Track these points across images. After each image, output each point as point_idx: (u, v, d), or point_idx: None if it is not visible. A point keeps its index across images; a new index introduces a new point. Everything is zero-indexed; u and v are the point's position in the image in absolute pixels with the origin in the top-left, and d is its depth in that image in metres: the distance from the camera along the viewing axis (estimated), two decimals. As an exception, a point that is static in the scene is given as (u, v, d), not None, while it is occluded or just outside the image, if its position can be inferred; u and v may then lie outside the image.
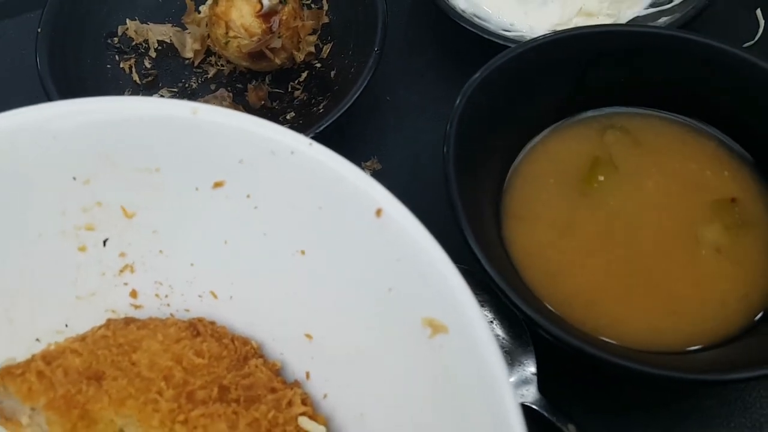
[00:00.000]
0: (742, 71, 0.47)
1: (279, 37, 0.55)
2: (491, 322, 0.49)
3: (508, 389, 0.30)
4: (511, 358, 0.48)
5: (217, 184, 0.40)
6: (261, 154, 0.38)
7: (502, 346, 0.48)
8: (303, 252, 0.40)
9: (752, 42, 0.63)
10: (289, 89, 0.61)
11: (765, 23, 0.64)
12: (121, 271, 0.43)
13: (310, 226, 0.39)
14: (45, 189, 0.40)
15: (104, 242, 0.43)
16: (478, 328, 0.32)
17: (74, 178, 0.40)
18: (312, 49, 0.61)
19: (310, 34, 0.61)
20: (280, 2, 0.55)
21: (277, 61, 0.57)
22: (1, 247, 0.41)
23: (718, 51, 0.47)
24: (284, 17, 0.55)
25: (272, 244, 0.40)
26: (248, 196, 0.40)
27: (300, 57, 0.59)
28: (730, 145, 0.49)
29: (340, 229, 0.38)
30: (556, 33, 0.48)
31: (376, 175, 0.60)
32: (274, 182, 0.39)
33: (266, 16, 0.54)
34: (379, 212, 0.36)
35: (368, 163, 0.59)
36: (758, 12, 0.64)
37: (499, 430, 0.30)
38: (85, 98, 0.40)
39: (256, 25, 0.55)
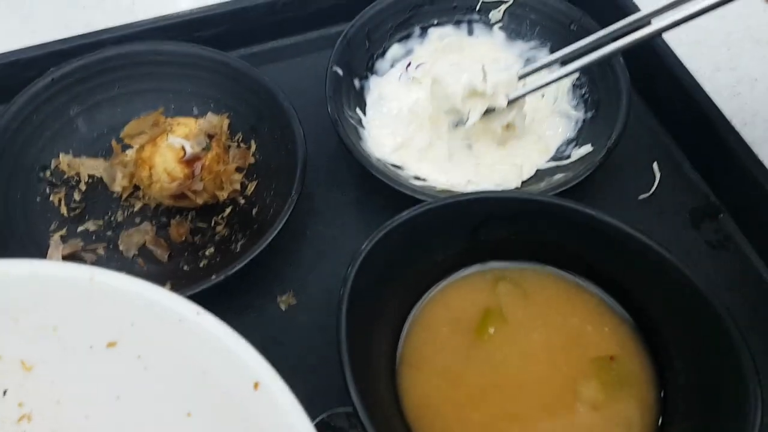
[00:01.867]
0: (619, 239, 0.51)
1: (201, 180, 0.59)
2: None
3: None
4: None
5: (110, 344, 0.42)
6: (150, 318, 0.41)
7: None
8: (189, 414, 0.41)
9: (648, 194, 0.68)
10: (212, 224, 0.64)
11: (660, 175, 0.69)
12: (20, 420, 0.45)
13: (195, 390, 0.41)
14: (-56, 344, 0.42)
15: (4, 392, 0.44)
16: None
17: (-26, 334, 0.42)
18: (237, 187, 0.64)
19: (236, 172, 0.65)
20: (204, 149, 0.59)
21: (199, 201, 0.61)
22: None
23: (597, 220, 0.51)
24: (207, 162, 0.59)
25: (161, 404, 0.42)
26: (139, 357, 0.42)
27: (223, 196, 0.62)
28: (610, 303, 0.53)
29: (221, 397, 0.40)
30: (455, 196, 0.53)
31: (292, 309, 0.62)
32: (163, 346, 0.41)
33: (189, 161, 0.58)
34: (256, 386, 0.38)
35: (284, 298, 0.62)
36: (655, 165, 0.69)
37: None
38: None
39: (178, 170, 0.58)
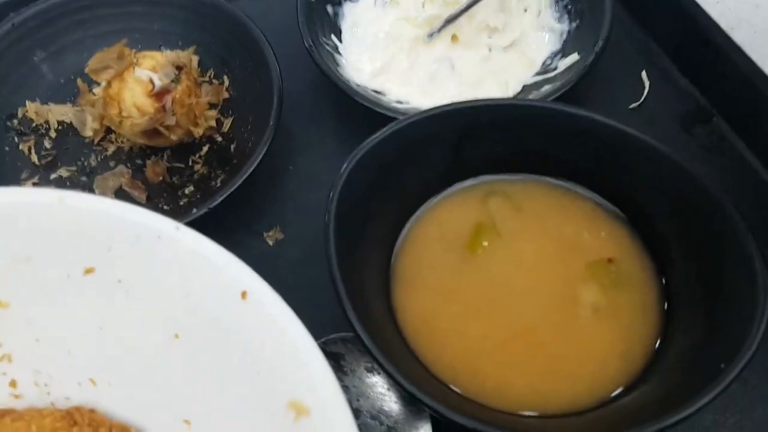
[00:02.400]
0: (610, 137, 0.49)
1: (173, 115, 0.56)
2: (388, 389, 0.50)
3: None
4: (407, 425, 0.48)
5: (88, 271, 0.40)
6: (127, 239, 0.39)
7: (397, 413, 0.48)
8: (177, 336, 0.40)
9: (638, 103, 0.66)
10: (190, 163, 0.62)
11: (649, 84, 0.67)
12: (-1, 361, 0.43)
13: (181, 311, 0.39)
14: None
15: (-22, 334, 0.42)
16: (337, 409, 0.32)
17: (-59, 270, 0.40)
18: (213, 123, 0.62)
19: (210, 109, 0.62)
20: (173, 81, 0.56)
21: (173, 137, 0.58)
22: None
23: (591, 121, 0.50)
24: (177, 95, 0.56)
25: (147, 329, 0.40)
26: (119, 282, 0.40)
27: (198, 132, 0.60)
28: (606, 206, 0.52)
29: (209, 313, 0.38)
30: (434, 108, 0.50)
31: (279, 244, 0.60)
32: (143, 267, 0.39)
33: (158, 95, 0.55)
34: (244, 295, 0.36)
35: (270, 233, 0.60)
36: (643, 74, 0.68)
37: None
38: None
39: (148, 105, 0.55)
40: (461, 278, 0.49)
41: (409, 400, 0.48)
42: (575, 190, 0.52)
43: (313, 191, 0.62)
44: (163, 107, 0.56)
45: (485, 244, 0.50)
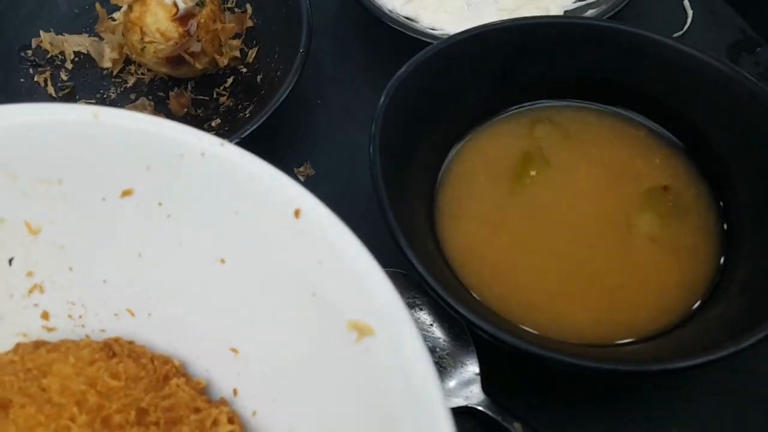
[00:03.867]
0: (668, 58, 0.47)
1: (198, 41, 0.53)
2: (431, 325, 0.48)
3: (435, 389, 0.29)
4: (453, 360, 0.46)
5: (125, 193, 0.38)
6: (169, 158, 0.36)
7: (442, 348, 0.46)
8: (223, 261, 0.37)
9: (681, 32, 0.64)
10: (214, 95, 0.59)
11: (693, 13, 0.64)
12: (30, 291, 0.40)
13: (228, 233, 0.36)
14: (-64, 207, 0.37)
15: (10, 261, 0.40)
16: (404, 327, 0.30)
17: (-31, 194, 0.37)
18: (237, 53, 0.59)
19: (233, 38, 0.59)
20: (197, 5, 0.53)
21: (198, 65, 0.55)
22: None
23: (644, 39, 0.47)
24: (202, 20, 0.53)
25: (189, 255, 0.38)
26: (159, 204, 0.37)
27: (224, 61, 0.57)
28: (660, 133, 0.49)
29: (259, 234, 0.35)
30: (478, 27, 0.48)
31: (310, 180, 0.58)
32: (186, 188, 0.36)
33: (183, 19, 0.52)
34: (297, 213, 0.34)
35: (301, 169, 0.57)
36: (686, 2, 0.65)
37: (425, 425, 0.28)
38: (-23, 106, 0.37)
39: (172, 29, 0.52)
40: (509, 209, 0.47)
41: (455, 335, 0.46)
42: (627, 116, 0.50)
43: (344, 125, 0.60)
44: (188, 32, 0.52)
45: (533, 173, 0.48)
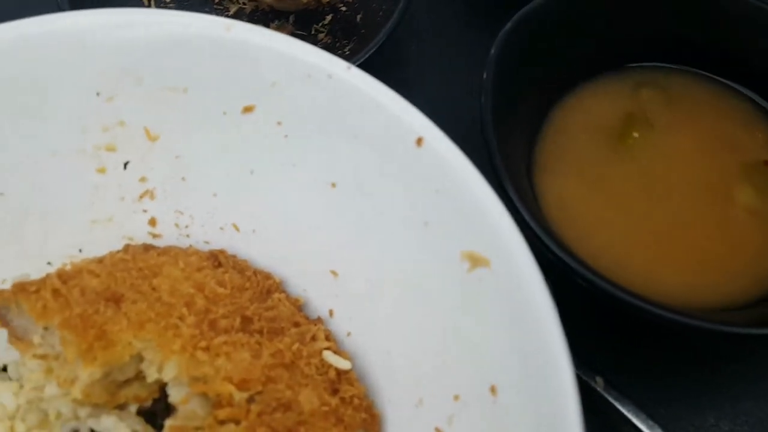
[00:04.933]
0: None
1: None
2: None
3: (554, 323, 0.29)
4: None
5: (247, 109, 0.38)
6: (296, 77, 0.37)
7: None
8: (334, 185, 0.38)
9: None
10: (313, 32, 0.59)
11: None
12: (141, 196, 0.42)
13: (344, 157, 0.37)
14: (66, 103, 0.38)
15: (125, 165, 0.41)
16: (524, 262, 0.31)
17: (98, 94, 0.39)
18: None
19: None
20: None
21: None
22: (13, 160, 0.39)
23: (757, 9, 0.46)
24: None
25: (301, 176, 0.39)
26: (279, 123, 0.38)
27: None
28: (765, 108, 0.48)
29: (376, 160, 0.36)
30: (595, -19, 0.47)
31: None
32: (308, 108, 0.37)
33: None
34: (419, 141, 0.34)
35: (390, 113, 0.58)
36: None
37: (542, 364, 0.29)
38: (113, 9, 0.38)
39: None
40: (608, 168, 0.47)
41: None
42: (734, 87, 0.49)
43: (441, 72, 0.59)
44: None
45: (635, 135, 0.48)
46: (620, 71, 0.50)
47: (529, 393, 0.28)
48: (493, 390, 0.30)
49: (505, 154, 0.43)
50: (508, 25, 0.46)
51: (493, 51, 0.45)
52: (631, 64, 0.50)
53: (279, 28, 0.57)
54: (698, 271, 0.43)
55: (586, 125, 0.49)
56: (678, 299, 0.42)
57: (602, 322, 0.44)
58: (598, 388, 0.42)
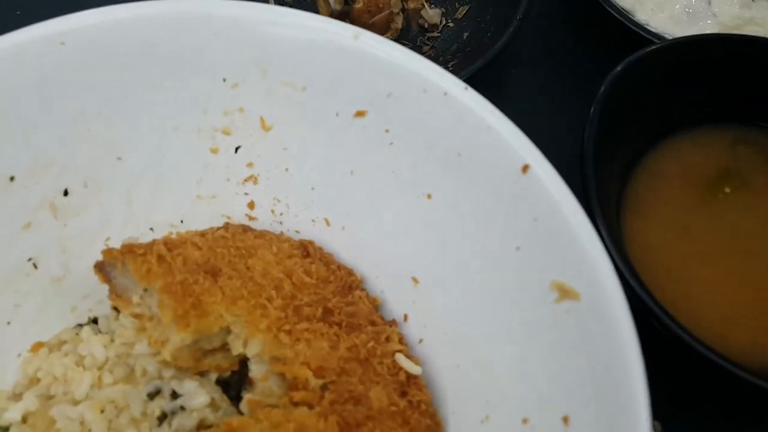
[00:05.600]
0: None
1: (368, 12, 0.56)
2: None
3: (638, 370, 0.30)
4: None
5: (359, 114, 0.40)
6: (412, 90, 0.38)
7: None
8: (429, 196, 0.40)
9: None
10: (418, 43, 0.61)
11: None
12: (245, 180, 0.44)
13: (444, 171, 0.39)
14: (194, 83, 0.41)
15: (236, 149, 0.43)
16: (615, 301, 0.32)
17: (224, 80, 0.41)
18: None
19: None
20: (347, 3, 0.56)
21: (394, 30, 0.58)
22: (138, 130, 0.42)
23: None
24: (356, 16, 0.57)
25: (399, 183, 0.40)
26: (387, 131, 0.40)
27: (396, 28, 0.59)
28: None
29: (477, 179, 0.37)
30: (703, 35, 0.47)
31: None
32: (418, 121, 0.39)
33: (339, 17, 0.56)
34: (525, 168, 0.36)
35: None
36: None
37: (619, 407, 0.29)
38: (254, 3, 0.40)
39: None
40: (696, 219, 0.47)
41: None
42: (837, 158, 0.48)
43: (534, 97, 0.60)
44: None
45: (727, 190, 0.47)
46: (721, 125, 0.50)
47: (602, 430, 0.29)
48: (565, 420, 0.31)
49: (601, 190, 0.43)
50: (619, 67, 0.47)
51: (602, 88, 0.46)
52: (732, 120, 0.50)
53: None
54: (774, 334, 0.43)
55: (679, 173, 0.49)
56: (748, 358, 0.42)
57: (667, 368, 0.44)
58: (657, 435, 0.42)
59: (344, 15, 0.58)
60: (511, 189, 0.36)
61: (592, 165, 0.42)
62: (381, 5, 0.59)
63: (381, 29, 0.59)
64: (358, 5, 0.58)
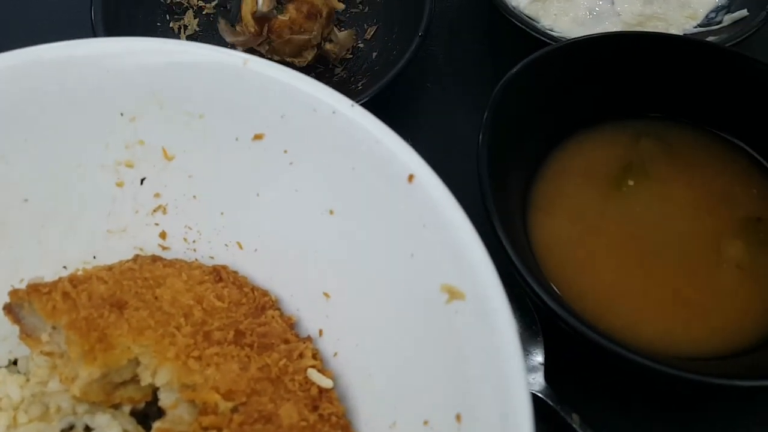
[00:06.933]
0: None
1: (269, 43, 0.57)
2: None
3: (517, 359, 0.31)
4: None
5: (257, 137, 0.41)
6: (303, 110, 0.39)
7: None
8: (332, 212, 0.41)
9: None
10: (330, 65, 0.62)
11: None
12: (154, 210, 0.45)
13: (342, 187, 0.40)
14: (92, 120, 0.42)
15: (141, 181, 0.44)
16: (495, 298, 0.33)
17: (121, 114, 0.42)
18: (347, 53, 0.62)
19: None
20: (274, 9, 0.57)
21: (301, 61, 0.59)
22: (39, 170, 0.42)
23: (758, 68, 0.48)
24: (276, 26, 0.57)
25: (302, 202, 0.41)
26: (285, 152, 0.41)
27: (335, 56, 0.60)
28: (762, 165, 0.50)
29: (371, 192, 0.38)
30: (597, 35, 0.49)
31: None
32: (312, 140, 0.40)
33: (259, 20, 0.56)
34: (411, 178, 0.37)
35: (401, 145, 0.60)
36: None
37: (502, 398, 0.31)
38: (141, 38, 0.41)
39: (250, 24, 0.57)
40: (602, 213, 0.48)
41: (525, 324, 0.48)
42: (732, 143, 0.50)
43: (448, 109, 0.62)
44: (260, 32, 0.56)
45: (631, 183, 0.49)
46: (622, 121, 0.52)
47: (490, 424, 0.30)
48: (458, 418, 0.32)
49: (500, 191, 0.45)
50: (514, 68, 0.48)
51: (495, 91, 0.47)
52: (633, 115, 0.52)
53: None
54: (682, 320, 0.44)
55: (583, 169, 0.51)
56: (658, 347, 0.43)
57: (581, 360, 0.45)
58: (574, 425, 0.43)
59: (264, 20, 0.58)
60: (400, 198, 0.37)
61: (487, 167, 0.43)
62: (304, 29, 0.60)
63: (293, 51, 0.60)
64: (284, 17, 0.58)
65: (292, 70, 0.40)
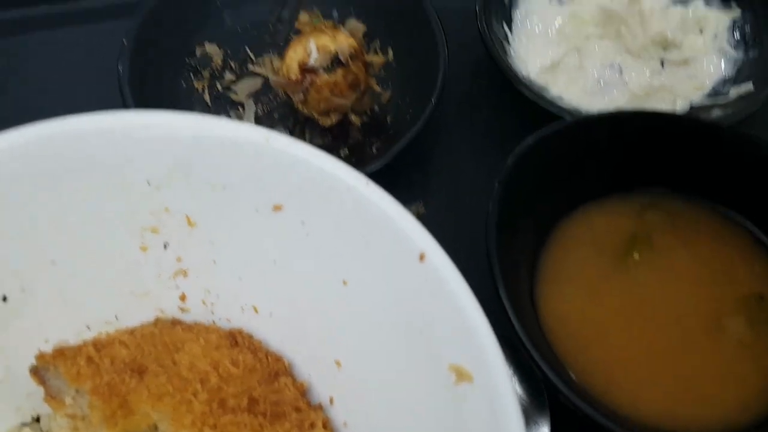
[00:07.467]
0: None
1: (303, 93, 0.59)
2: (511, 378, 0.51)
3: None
4: (526, 417, 0.49)
5: (276, 208, 0.43)
6: (320, 186, 0.41)
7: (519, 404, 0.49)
8: (345, 282, 0.42)
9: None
10: (346, 127, 0.64)
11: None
12: (176, 274, 0.47)
13: (355, 260, 0.41)
14: (122, 188, 0.44)
15: (165, 245, 0.46)
16: (502, 385, 0.34)
17: (148, 183, 0.44)
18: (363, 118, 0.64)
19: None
20: (325, 70, 0.59)
21: (329, 120, 0.62)
22: (69, 234, 0.44)
23: (762, 148, 0.49)
24: (320, 83, 0.59)
25: (318, 271, 0.43)
26: (303, 223, 0.43)
27: (329, 121, 0.62)
28: (765, 243, 0.51)
29: (383, 267, 0.40)
30: (608, 113, 0.51)
31: (420, 219, 0.62)
32: (328, 213, 0.42)
33: (305, 71, 0.58)
34: (422, 257, 0.38)
35: (413, 207, 0.62)
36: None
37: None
38: (171, 112, 0.43)
39: (294, 71, 0.59)
40: (608, 285, 0.50)
41: (532, 393, 0.49)
42: (737, 219, 0.52)
43: (459, 175, 0.64)
44: (300, 81, 0.59)
45: (636, 256, 0.51)
46: (629, 193, 0.54)
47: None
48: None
49: (507, 263, 0.46)
50: (525, 141, 0.50)
51: (507, 165, 0.49)
52: (639, 188, 0.54)
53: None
54: (682, 395, 0.45)
55: (590, 241, 0.52)
56: (660, 422, 0.44)
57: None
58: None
59: (310, 73, 0.59)
60: (412, 276, 0.39)
61: (495, 240, 0.45)
62: (343, 95, 0.60)
63: (324, 110, 0.62)
64: (330, 78, 0.59)
65: (312, 147, 0.42)
